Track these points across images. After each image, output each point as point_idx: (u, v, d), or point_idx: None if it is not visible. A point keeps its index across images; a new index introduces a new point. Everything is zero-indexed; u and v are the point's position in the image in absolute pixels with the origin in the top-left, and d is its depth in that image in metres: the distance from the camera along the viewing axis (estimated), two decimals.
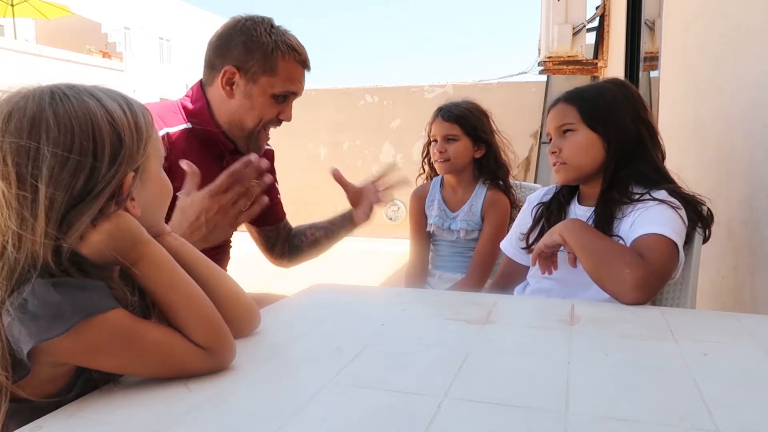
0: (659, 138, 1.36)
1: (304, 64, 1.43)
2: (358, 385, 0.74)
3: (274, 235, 1.72)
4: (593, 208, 1.34)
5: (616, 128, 1.31)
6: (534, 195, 1.55)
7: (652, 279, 1.12)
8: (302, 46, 1.42)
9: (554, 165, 1.38)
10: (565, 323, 1.00)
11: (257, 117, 1.41)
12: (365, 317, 1.08)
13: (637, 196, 1.27)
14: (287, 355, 0.87)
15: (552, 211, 1.43)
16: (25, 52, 14.02)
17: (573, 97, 1.36)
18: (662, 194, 1.25)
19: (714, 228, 1.31)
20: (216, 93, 1.42)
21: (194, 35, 23.62)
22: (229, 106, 1.41)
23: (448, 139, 1.86)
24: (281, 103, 1.42)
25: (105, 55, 17.89)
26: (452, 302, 1.20)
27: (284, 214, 1.75)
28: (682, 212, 1.23)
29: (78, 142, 0.70)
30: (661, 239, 1.16)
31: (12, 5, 15.01)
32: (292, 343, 0.92)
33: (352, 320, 1.07)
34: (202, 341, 0.75)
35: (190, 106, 1.43)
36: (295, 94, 1.44)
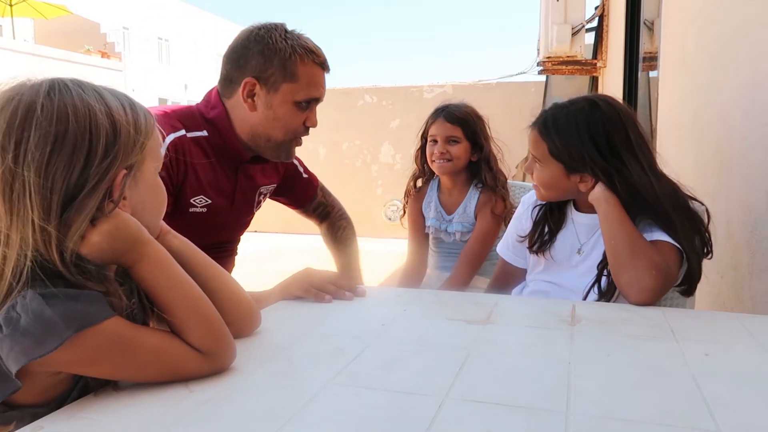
0: (652, 153, 1.29)
1: (323, 65, 1.40)
2: (358, 385, 0.74)
3: (305, 214, 1.78)
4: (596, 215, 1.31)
5: (584, 165, 1.25)
6: (527, 196, 1.53)
7: (667, 286, 1.13)
8: (319, 48, 1.39)
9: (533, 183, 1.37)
10: (566, 323, 1.00)
11: (283, 128, 1.38)
12: (365, 317, 1.08)
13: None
14: (287, 355, 0.87)
15: (554, 213, 1.42)
16: (23, 52, 13.99)
17: (545, 131, 1.29)
18: (663, 235, 1.19)
19: (713, 228, 1.31)
20: (236, 106, 1.38)
21: (193, 35, 23.57)
22: (252, 119, 1.37)
23: (451, 140, 1.85)
24: (305, 110, 1.39)
25: (104, 55, 17.86)
26: (453, 302, 1.20)
27: (309, 198, 1.75)
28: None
29: (72, 133, 0.69)
30: (672, 248, 1.16)
31: (10, 5, 15.00)
32: (293, 343, 0.92)
33: (352, 320, 1.07)
34: (200, 344, 0.75)
35: (208, 114, 1.40)
36: (317, 100, 1.41)
